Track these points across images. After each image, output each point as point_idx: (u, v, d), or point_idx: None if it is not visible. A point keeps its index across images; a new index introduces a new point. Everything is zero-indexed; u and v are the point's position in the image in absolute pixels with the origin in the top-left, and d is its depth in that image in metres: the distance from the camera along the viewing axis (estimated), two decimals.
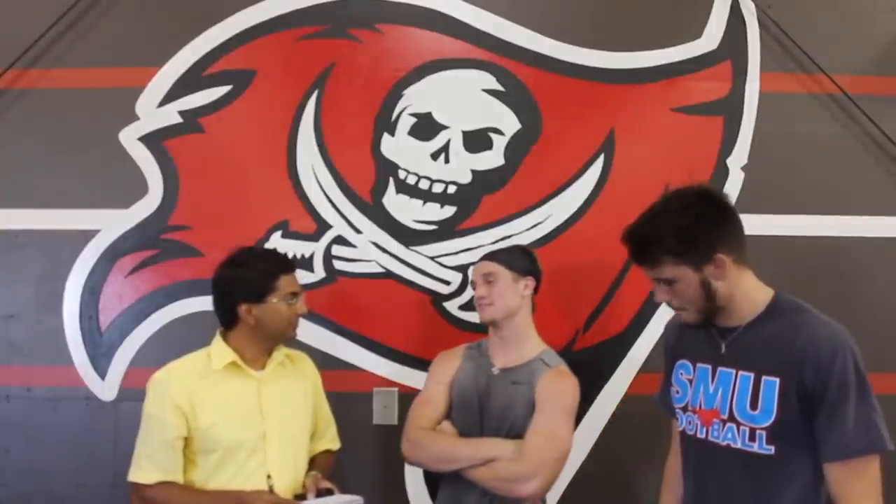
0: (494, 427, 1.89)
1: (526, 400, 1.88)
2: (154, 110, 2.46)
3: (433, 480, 2.37)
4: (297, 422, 1.90)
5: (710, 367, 1.52)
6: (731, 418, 1.45)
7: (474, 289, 2.01)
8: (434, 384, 2.01)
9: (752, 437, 1.42)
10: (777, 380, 1.40)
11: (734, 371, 1.46)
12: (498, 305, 1.95)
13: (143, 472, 1.76)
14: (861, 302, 2.43)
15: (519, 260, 2.00)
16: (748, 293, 1.49)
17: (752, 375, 1.43)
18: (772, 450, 1.40)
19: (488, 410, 1.91)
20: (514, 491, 1.79)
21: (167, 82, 2.47)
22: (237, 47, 2.48)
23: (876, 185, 2.47)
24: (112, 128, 2.45)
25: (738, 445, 1.44)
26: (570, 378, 1.93)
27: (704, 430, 1.50)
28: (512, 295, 1.96)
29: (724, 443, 1.46)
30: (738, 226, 1.50)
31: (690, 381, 1.56)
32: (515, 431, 1.87)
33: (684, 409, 1.57)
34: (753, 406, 1.42)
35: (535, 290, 2.02)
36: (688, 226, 1.45)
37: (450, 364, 2.03)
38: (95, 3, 2.49)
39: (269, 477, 1.79)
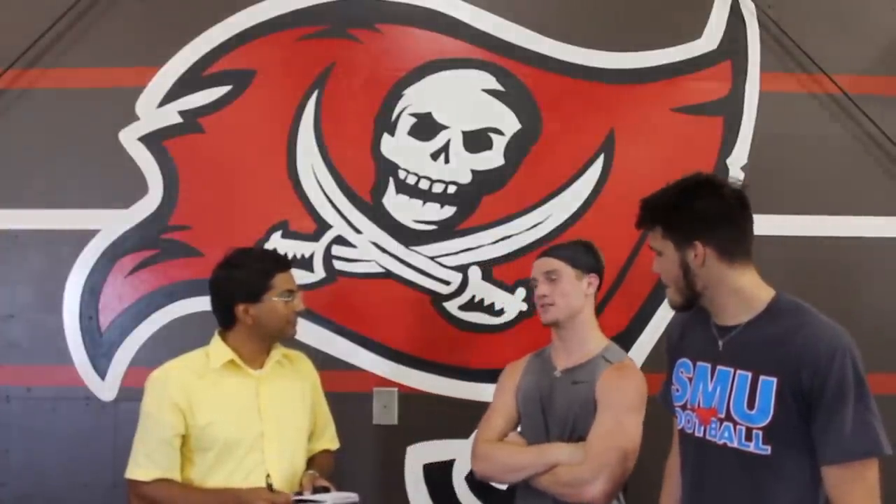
0: (558, 431, 1.83)
1: (584, 399, 1.81)
2: (154, 110, 2.47)
3: (432, 482, 2.38)
4: (295, 421, 1.89)
5: (709, 365, 1.51)
6: (729, 417, 1.44)
7: (534, 287, 1.92)
8: (500, 396, 1.96)
9: (749, 437, 1.41)
10: (774, 380, 1.39)
11: (732, 370, 1.46)
12: (560, 305, 1.86)
13: (140, 469, 1.76)
14: (861, 302, 2.43)
15: (582, 256, 1.90)
16: (742, 291, 1.48)
17: (749, 375, 1.43)
18: (768, 450, 1.40)
19: (552, 414, 1.85)
20: (578, 496, 1.73)
21: (167, 82, 2.47)
22: (237, 47, 2.48)
23: (876, 185, 2.47)
24: (112, 128, 2.45)
25: (735, 445, 1.43)
26: (632, 371, 1.86)
27: (702, 428, 1.50)
28: (575, 294, 1.87)
29: (721, 442, 1.46)
30: (736, 227, 1.49)
31: (690, 380, 1.55)
32: (578, 433, 1.80)
33: (683, 408, 1.57)
34: (750, 406, 1.41)
35: (598, 286, 1.93)
36: (680, 207, 1.49)
37: (514, 374, 1.97)
38: (95, 3, 2.49)
39: (267, 475, 1.79)
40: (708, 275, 1.47)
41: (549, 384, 1.88)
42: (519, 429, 1.93)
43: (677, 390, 1.59)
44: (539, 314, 1.91)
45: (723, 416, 1.45)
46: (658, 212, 1.52)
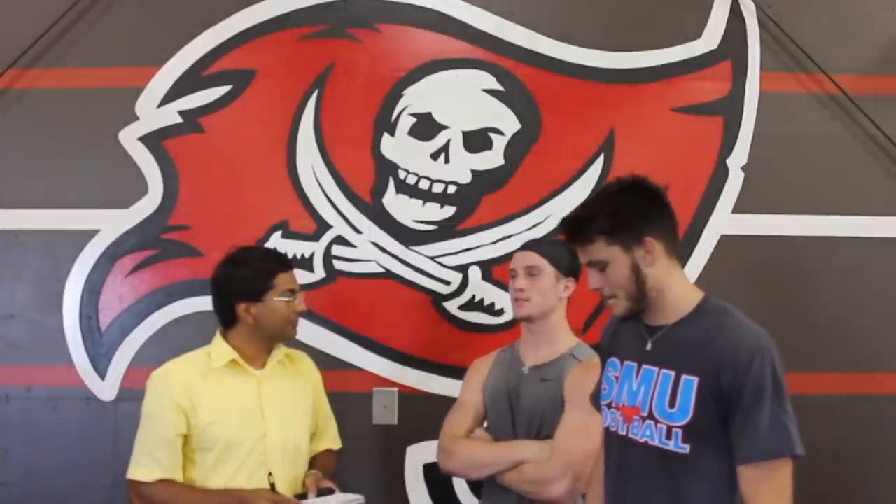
0: (525, 428, 1.83)
1: (552, 397, 1.81)
2: (154, 110, 2.47)
3: (432, 482, 2.38)
4: (297, 421, 1.89)
5: (635, 364, 1.53)
6: (650, 415, 1.45)
7: (512, 277, 1.91)
8: (467, 391, 1.97)
9: (669, 436, 1.42)
10: (696, 379, 1.41)
11: (657, 369, 1.47)
12: (535, 302, 1.86)
13: (143, 469, 1.76)
14: (860, 302, 2.42)
15: (564, 257, 1.90)
16: (677, 290, 1.49)
17: (672, 374, 1.44)
18: (687, 449, 1.41)
19: (519, 411, 1.85)
20: (542, 493, 1.74)
21: (167, 82, 2.47)
22: (237, 47, 2.48)
23: (876, 185, 2.47)
24: (112, 128, 2.45)
25: (656, 443, 1.44)
26: (599, 370, 1.83)
27: (625, 426, 1.51)
28: (552, 294, 1.88)
29: (643, 440, 1.47)
30: (670, 215, 1.51)
31: (617, 378, 1.57)
32: (546, 431, 1.81)
33: (609, 406, 1.57)
34: (671, 404, 1.42)
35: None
36: (618, 206, 1.48)
37: (482, 369, 1.98)
38: (95, 3, 2.49)
39: (269, 475, 1.79)
40: (656, 273, 1.47)
41: (517, 380, 1.89)
42: (486, 424, 1.93)
43: (604, 389, 1.60)
44: (512, 306, 1.92)
45: (645, 414, 1.46)
46: (598, 221, 1.48)
